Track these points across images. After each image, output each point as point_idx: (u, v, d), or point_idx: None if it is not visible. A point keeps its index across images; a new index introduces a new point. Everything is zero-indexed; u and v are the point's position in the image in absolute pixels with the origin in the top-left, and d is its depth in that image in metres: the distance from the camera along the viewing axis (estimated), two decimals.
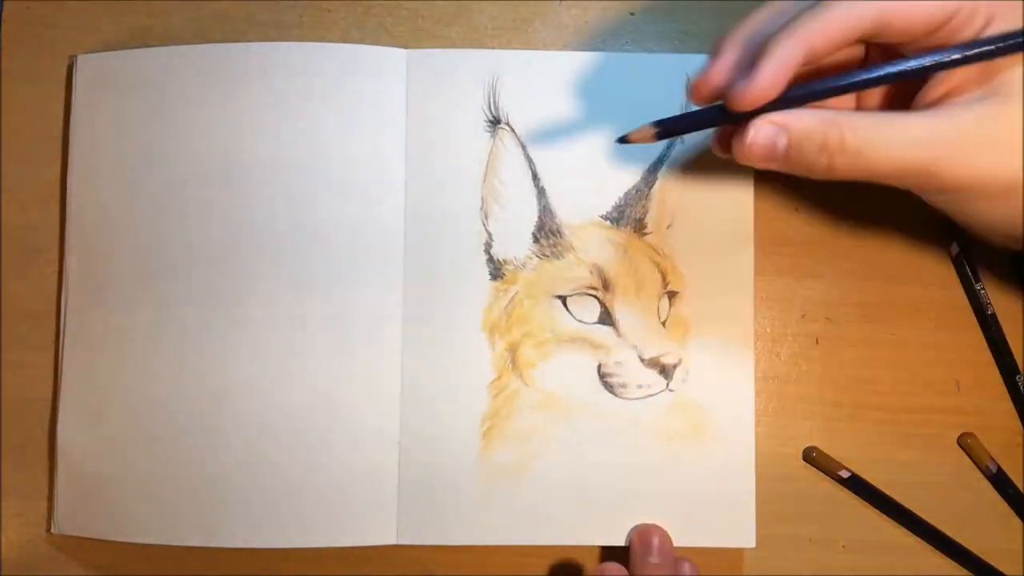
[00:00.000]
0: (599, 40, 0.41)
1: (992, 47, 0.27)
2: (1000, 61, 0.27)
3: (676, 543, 0.37)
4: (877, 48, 0.30)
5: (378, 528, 0.37)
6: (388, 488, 0.38)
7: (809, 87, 0.28)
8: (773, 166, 0.29)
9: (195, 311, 0.38)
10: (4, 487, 0.39)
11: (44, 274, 0.40)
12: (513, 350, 0.38)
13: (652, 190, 0.39)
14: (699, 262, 0.38)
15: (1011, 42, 0.27)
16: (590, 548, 0.39)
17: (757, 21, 0.29)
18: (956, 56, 0.27)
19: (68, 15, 0.41)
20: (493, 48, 0.40)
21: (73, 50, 0.40)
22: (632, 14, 0.41)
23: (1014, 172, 0.27)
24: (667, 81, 0.39)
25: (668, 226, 0.39)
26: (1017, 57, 0.27)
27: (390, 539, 0.37)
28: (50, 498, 0.39)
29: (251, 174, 0.38)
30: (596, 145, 0.39)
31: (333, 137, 0.39)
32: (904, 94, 0.30)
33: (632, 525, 0.38)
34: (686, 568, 0.36)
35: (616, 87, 0.39)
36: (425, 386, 0.38)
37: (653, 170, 0.39)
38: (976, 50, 0.27)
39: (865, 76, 0.28)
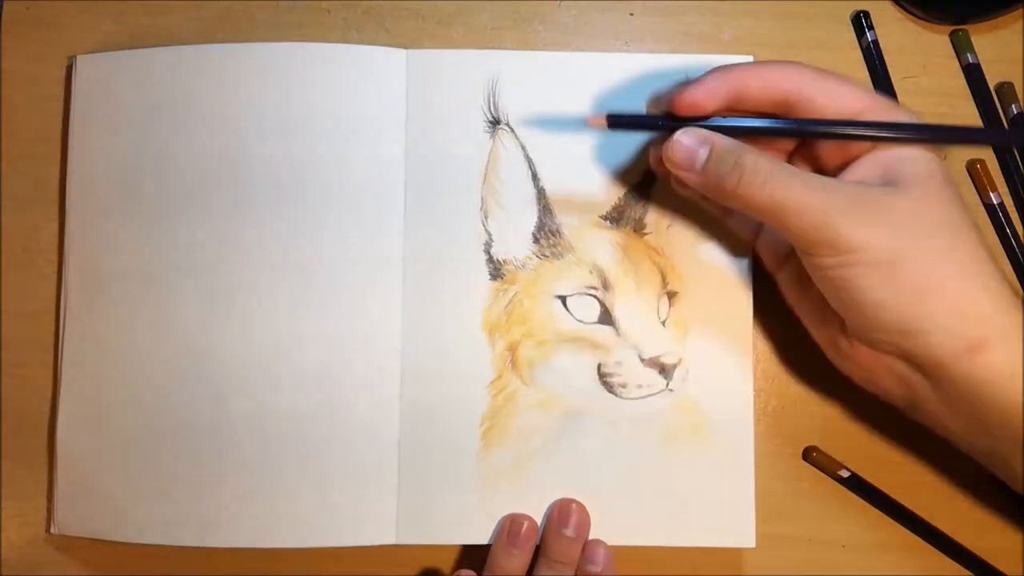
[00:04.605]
0: (599, 40, 0.41)
1: (890, 134, 0.31)
2: (898, 162, 0.31)
3: (676, 543, 0.37)
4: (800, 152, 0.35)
5: (378, 528, 0.37)
6: (388, 488, 0.38)
7: (734, 121, 0.32)
8: (689, 175, 0.33)
9: (195, 311, 0.38)
10: (4, 487, 0.39)
11: (44, 274, 0.40)
12: (513, 350, 0.38)
13: (652, 190, 0.39)
14: (699, 262, 0.38)
15: (903, 135, 0.31)
16: None
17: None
18: (858, 131, 0.31)
19: (68, 15, 0.41)
20: (493, 48, 0.40)
21: (73, 50, 0.40)
22: (632, 14, 0.41)
23: (897, 250, 0.30)
24: (667, 81, 0.39)
25: (668, 226, 0.39)
26: (912, 156, 0.31)
27: (390, 539, 0.37)
28: (50, 498, 0.39)
29: (251, 174, 0.38)
30: (596, 145, 0.39)
31: (333, 137, 0.39)
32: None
33: (632, 525, 0.38)
34: (600, 553, 0.37)
35: (616, 87, 0.39)
36: (425, 386, 0.38)
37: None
38: (875, 132, 0.31)
39: (781, 125, 0.32)
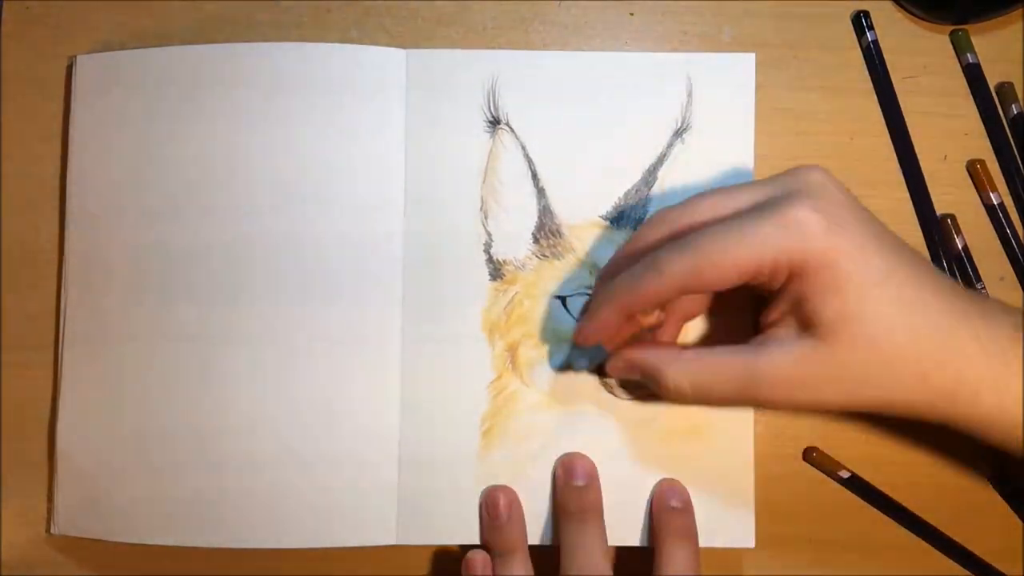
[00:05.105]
0: (599, 40, 0.41)
1: None
2: (808, 297, 0.30)
3: None
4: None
5: (378, 528, 0.37)
6: (388, 488, 0.38)
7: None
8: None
9: (195, 311, 0.38)
10: (4, 487, 0.39)
11: (44, 274, 0.40)
12: (513, 350, 0.38)
13: (652, 190, 0.39)
14: None
15: None
16: None
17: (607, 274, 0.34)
18: None
19: (68, 15, 0.41)
20: (493, 48, 0.40)
21: (73, 50, 0.40)
22: (632, 14, 0.41)
23: (836, 402, 0.30)
24: (667, 81, 0.39)
25: None
26: (821, 292, 0.30)
27: (390, 539, 0.37)
28: (50, 498, 0.39)
29: (251, 175, 0.38)
30: (596, 145, 0.39)
31: (333, 137, 0.39)
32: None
33: (631, 525, 0.37)
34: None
35: (616, 87, 0.39)
36: (425, 386, 0.38)
37: (653, 170, 0.39)
38: None
39: None
